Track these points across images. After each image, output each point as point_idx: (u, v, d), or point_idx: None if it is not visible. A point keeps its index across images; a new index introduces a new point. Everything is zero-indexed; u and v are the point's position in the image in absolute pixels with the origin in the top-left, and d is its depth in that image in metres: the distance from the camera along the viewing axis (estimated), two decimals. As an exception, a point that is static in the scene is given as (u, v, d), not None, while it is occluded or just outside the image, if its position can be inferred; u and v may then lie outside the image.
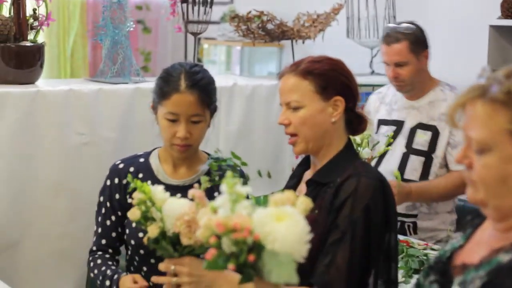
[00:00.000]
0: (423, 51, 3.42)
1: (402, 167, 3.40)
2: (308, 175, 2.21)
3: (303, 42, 4.28)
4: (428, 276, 1.70)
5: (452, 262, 1.62)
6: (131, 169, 2.52)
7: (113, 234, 2.54)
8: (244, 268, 1.52)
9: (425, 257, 2.91)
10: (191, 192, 1.89)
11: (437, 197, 3.37)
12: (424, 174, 3.39)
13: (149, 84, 3.38)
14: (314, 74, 2.12)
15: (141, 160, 2.56)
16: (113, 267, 2.45)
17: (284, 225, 1.48)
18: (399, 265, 2.86)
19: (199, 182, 2.03)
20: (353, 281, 2.02)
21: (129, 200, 2.43)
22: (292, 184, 2.23)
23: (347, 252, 1.99)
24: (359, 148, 2.93)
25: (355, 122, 2.20)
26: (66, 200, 3.10)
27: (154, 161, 2.54)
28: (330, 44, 3.65)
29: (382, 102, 3.63)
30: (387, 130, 3.50)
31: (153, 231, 1.90)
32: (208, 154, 2.60)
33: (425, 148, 3.39)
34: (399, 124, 3.49)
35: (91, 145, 3.15)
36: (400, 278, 2.80)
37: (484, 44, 4.14)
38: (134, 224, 2.43)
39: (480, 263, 1.49)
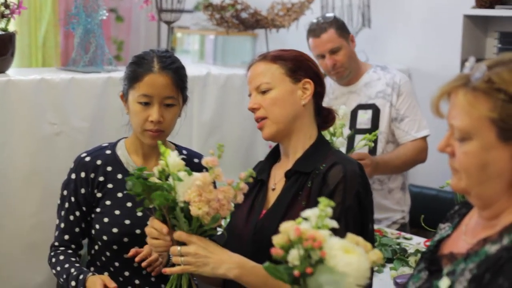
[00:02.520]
0: (349, 35, 3.60)
1: (349, 147, 3.44)
2: (280, 168, 2.20)
3: (277, 31, 4.28)
4: (418, 265, 1.72)
5: (439, 251, 1.64)
6: (99, 162, 2.45)
7: (77, 230, 2.46)
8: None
9: (398, 246, 2.93)
10: (205, 159, 1.87)
11: (401, 166, 3.50)
12: (372, 151, 3.46)
13: (122, 73, 3.35)
14: (283, 58, 2.15)
15: (108, 152, 2.49)
16: (77, 265, 2.38)
17: (350, 258, 1.46)
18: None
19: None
20: None
21: (98, 195, 2.43)
22: (265, 178, 2.21)
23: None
24: (333, 138, 2.94)
25: (325, 112, 2.21)
26: (38, 190, 3.07)
27: (122, 152, 2.48)
28: (304, 33, 3.65)
29: (327, 96, 3.65)
30: (368, 116, 3.59)
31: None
32: (175, 145, 2.56)
33: (368, 126, 3.53)
34: (377, 109, 3.58)
35: (63, 135, 3.12)
36: (374, 267, 2.82)
37: (458, 33, 4.17)
38: (106, 220, 2.41)
39: (468, 254, 1.50)
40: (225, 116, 3.73)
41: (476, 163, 1.46)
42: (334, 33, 3.52)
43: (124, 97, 2.45)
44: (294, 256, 1.46)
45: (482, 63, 1.49)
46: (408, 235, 3.19)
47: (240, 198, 1.92)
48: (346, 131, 3.25)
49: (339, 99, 3.65)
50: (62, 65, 3.37)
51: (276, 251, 1.47)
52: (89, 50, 3.34)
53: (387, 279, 2.70)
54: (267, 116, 2.12)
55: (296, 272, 1.46)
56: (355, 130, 3.52)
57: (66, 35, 5.28)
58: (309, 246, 1.44)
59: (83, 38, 3.33)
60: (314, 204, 2.02)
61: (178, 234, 1.91)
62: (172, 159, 1.88)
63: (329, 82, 3.63)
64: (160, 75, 2.34)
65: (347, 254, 1.46)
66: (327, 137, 3.07)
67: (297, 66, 2.14)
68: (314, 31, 3.56)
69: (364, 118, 3.56)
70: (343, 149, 3.34)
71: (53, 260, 2.44)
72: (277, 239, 1.49)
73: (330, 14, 3.69)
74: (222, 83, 3.70)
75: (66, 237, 2.46)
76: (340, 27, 3.56)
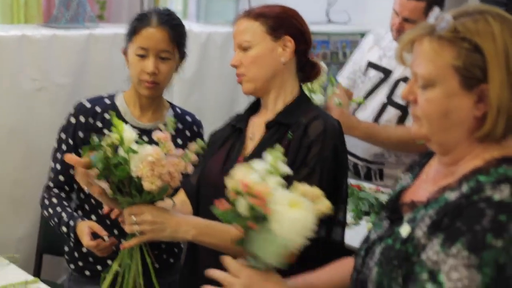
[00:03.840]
0: (431, 12, 3.34)
1: (378, 116, 3.43)
2: (259, 118, 2.24)
3: (260, -10, 4.27)
4: (379, 215, 1.75)
5: (401, 200, 1.67)
6: (98, 109, 2.51)
7: (71, 172, 2.44)
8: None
9: (375, 200, 2.97)
10: (156, 134, 1.90)
11: (386, 143, 3.38)
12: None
13: (104, 30, 3.37)
14: (265, 15, 2.15)
15: (107, 101, 2.55)
16: (69, 210, 2.43)
17: (294, 212, 1.50)
18: (350, 208, 2.94)
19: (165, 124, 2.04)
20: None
21: (95, 139, 2.47)
22: (242, 127, 2.24)
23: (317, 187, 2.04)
24: (311, 94, 2.96)
25: (308, 68, 2.24)
26: (20, 146, 3.10)
27: (120, 103, 2.54)
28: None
29: (377, 44, 3.60)
30: (375, 75, 3.50)
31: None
32: (170, 104, 2.62)
33: (404, 103, 3.35)
34: (387, 73, 3.48)
35: (44, 91, 3.13)
36: (351, 220, 2.88)
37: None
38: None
39: (428, 201, 1.53)
40: (206, 74, 3.74)
41: (438, 110, 1.49)
42: (422, 7, 3.29)
43: (125, 53, 2.52)
44: (241, 206, 1.51)
45: (448, 13, 1.51)
46: (386, 190, 3.24)
47: (190, 169, 1.96)
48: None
49: (391, 60, 3.47)
50: (44, 21, 3.36)
51: (224, 206, 1.53)
52: (71, 7, 3.34)
53: (363, 232, 2.75)
54: (246, 74, 2.15)
55: (239, 228, 1.51)
56: (389, 100, 3.43)
57: (48, -6, 5.24)
58: (253, 204, 1.48)
59: (65, -4, 3.33)
60: (293, 155, 2.07)
61: (129, 210, 1.95)
62: (127, 133, 1.90)
63: (390, 37, 3.47)
64: (157, 29, 2.42)
65: (293, 209, 1.50)
66: (311, 95, 3.10)
67: (279, 23, 2.15)
68: None
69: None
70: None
71: (46, 202, 2.49)
72: (230, 184, 1.54)
73: None
74: (203, 41, 3.71)
75: (61, 178, 2.52)
76: (431, 3, 3.31)
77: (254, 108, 2.28)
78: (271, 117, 2.17)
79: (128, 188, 1.92)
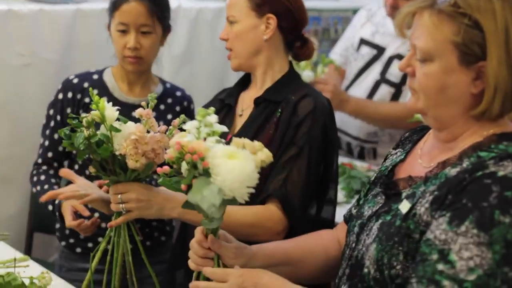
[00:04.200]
0: None
1: (371, 94, 3.41)
2: (248, 94, 2.22)
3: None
4: (370, 190, 1.72)
5: (395, 176, 1.65)
6: (85, 84, 2.50)
7: (60, 148, 2.50)
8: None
9: (366, 178, 2.96)
10: (138, 111, 1.88)
11: (376, 119, 3.35)
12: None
13: (91, 4, 3.33)
14: None
15: (95, 76, 2.54)
16: (56, 187, 2.41)
17: (232, 163, 1.50)
18: (342, 186, 2.93)
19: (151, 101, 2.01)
20: (309, 195, 2.07)
21: (83, 115, 2.45)
22: (232, 103, 2.23)
23: (304, 167, 2.03)
24: (299, 70, 2.95)
25: (296, 45, 2.21)
26: (8, 122, 3.06)
27: (108, 78, 2.53)
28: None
29: (370, 20, 3.57)
30: (368, 52, 3.47)
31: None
32: (160, 79, 2.61)
33: (397, 80, 3.36)
34: (380, 50, 3.45)
35: (32, 66, 3.09)
36: (343, 198, 2.87)
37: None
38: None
39: (427, 176, 1.52)
40: (196, 50, 3.70)
41: (435, 85, 1.48)
42: None
43: (109, 28, 2.51)
44: (184, 169, 1.52)
45: None
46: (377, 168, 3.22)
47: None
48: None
49: (384, 37, 3.45)
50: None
51: (163, 169, 1.55)
52: (58, -19, 3.30)
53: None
54: (232, 49, 2.17)
55: (182, 186, 1.52)
56: (382, 77, 3.40)
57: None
58: (190, 159, 1.49)
59: (52, -31, 3.28)
60: (281, 133, 2.05)
61: (114, 188, 1.93)
62: (109, 111, 1.87)
63: (383, 13, 3.42)
64: (136, 3, 2.41)
65: (231, 160, 1.50)
66: (300, 72, 3.08)
67: (264, 0, 2.13)
68: None
69: (397, 70, 3.30)
70: None
71: (34, 178, 2.47)
72: (169, 153, 1.55)
73: None
74: (193, 16, 3.67)
75: (50, 154, 2.51)
76: None
77: (245, 83, 2.26)
78: (260, 94, 2.16)
79: (112, 166, 1.90)
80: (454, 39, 1.44)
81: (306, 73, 3.19)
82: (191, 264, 1.66)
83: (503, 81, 1.44)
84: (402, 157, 1.69)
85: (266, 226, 1.99)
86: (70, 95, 2.50)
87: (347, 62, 3.56)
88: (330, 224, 2.16)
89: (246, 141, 1.56)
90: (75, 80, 2.51)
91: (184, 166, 1.53)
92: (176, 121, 1.90)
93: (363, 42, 3.51)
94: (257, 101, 2.15)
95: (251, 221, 1.97)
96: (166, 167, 1.56)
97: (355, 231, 1.66)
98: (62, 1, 3.27)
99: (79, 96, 2.49)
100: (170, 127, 1.91)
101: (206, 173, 1.50)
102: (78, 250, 2.53)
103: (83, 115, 1.88)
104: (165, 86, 2.58)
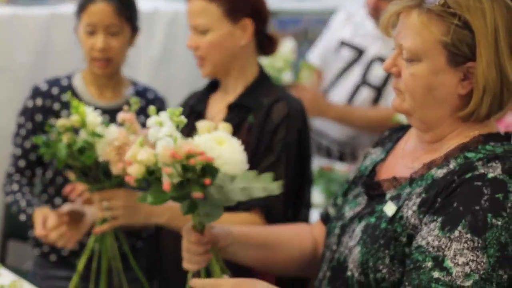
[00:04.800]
0: None
1: (351, 97, 3.37)
2: (219, 100, 2.17)
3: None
4: (350, 190, 1.70)
5: (377, 176, 1.63)
6: (55, 91, 2.45)
7: (32, 157, 2.45)
8: (186, 198, 1.50)
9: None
10: (120, 116, 1.84)
11: (358, 125, 3.32)
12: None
13: (67, 7, 3.29)
14: None
15: (64, 82, 2.49)
16: (28, 198, 2.35)
17: (227, 148, 1.49)
18: (321, 189, 2.91)
19: (129, 104, 1.97)
20: (289, 202, 2.04)
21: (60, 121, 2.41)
22: (202, 109, 2.18)
23: (283, 174, 2.00)
24: (275, 72, 2.93)
25: (266, 43, 2.17)
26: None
27: (78, 83, 2.48)
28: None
29: (349, 21, 3.52)
30: (348, 54, 3.42)
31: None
32: (131, 81, 2.56)
33: (378, 83, 3.32)
34: (360, 52, 3.41)
35: (6, 70, 3.05)
36: (322, 201, 2.84)
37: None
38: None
39: (412, 178, 1.50)
40: (173, 52, 3.67)
41: (422, 85, 1.46)
42: None
43: (76, 31, 2.47)
44: (175, 174, 1.46)
45: None
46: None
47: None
48: None
49: (364, 38, 3.40)
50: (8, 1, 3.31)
51: (168, 185, 1.46)
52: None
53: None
54: (205, 58, 2.09)
55: (197, 194, 1.46)
56: (363, 80, 3.35)
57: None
58: (201, 162, 1.45)
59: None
60: (255, 139, 2.02)
61: (99, 195, 1.89)
62: (91, 117, 1.84)
63: (364, 14, 3.39)
64: (103, 4, 2.37)
65: (222, 145, 1.49)
66: (274, 72, 3.05)
67: (236, 5, 2.07)
68: None
69: (378, 73, 3.30)
70: None
71: (7, 189, 2.42)
72: (133, 171, 1.49)
73: None
74: (170, 19, 3.65)
75: (22, 163, 2.45)
76: None
77: (212, 87, 2.21)
78: (232, 100, 2.11)
79: (95, 172, 1.87)
80: (443, 39, 1.42)
81: (286, 75, 3.17)
82: (192, 266, 1.61)
83: (492, 82, 1.43)
84: (383, 156, 1.67)
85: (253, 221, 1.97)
86: (39, 102, 2.45)
87: (327, 65, 3.53)
88: None
89: (206, 123, 1.55)
90: (44, 87, 2.47)
91: (173, 174, 1.46)
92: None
93: (343, 43, 3.48)
94: (231, 107, 2.10)
95: None
96: (167, 184, 1.47)
97: (335, 233, 1.64)
98: (37, 4, 3.25)
99: (48, 103, 2.44)
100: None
101: (212, 168, 1.46)
102: (53, 258, 2.49)
103: (60, 121, 1.84)
104: (137, 88, 2.53)
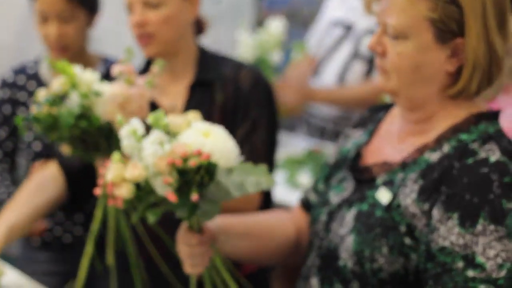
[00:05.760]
0: None
1: (343, 72, 3.32)
2: (171, 84, 2.04)
3: None
4: (332, 175, 1.65)
5: (364, 160, 1.58)
6: (20, 80, 2.42)
7: (9, 145, 2.43)
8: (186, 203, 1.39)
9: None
10: (117, 68, 1.72)
11: (347, 104, 3.27)
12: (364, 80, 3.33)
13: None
14: None
15: (30, 70, 2.44)
16: (10, 189, 2.35)
17: (216, 140, 1.39)
18: (309, 170, 2.87)
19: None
20: (272, 164, 2.02)
21: (20, 113, 2.39)
22: (155, 94, 2.03)
23: (265, 137, 1.97)
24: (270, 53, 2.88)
25: (199, 22, 2.09)
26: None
27: (45, 70, 2.43)
28: None
29: (344, 1, 3.44)
30: (338, 30, 3.35)
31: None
32: (102, 58, 2.49)
33: (370, 54, 3.25)
34: (349, 26, 3.33)
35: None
36: (308, 182, 2.80)
37: None
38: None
39: (405, 162, 1.46)
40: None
41: (409, 64, 1.42)
42: None
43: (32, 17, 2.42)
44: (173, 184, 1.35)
45: None
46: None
47: (155, 92, 1.79)
48: None
49: (353, 11, 3.31)
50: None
51: (174, 197, 1.35)
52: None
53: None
54: (155, 35, 1.94)
55: (194, 196, 1.35)
56: (354, 53, 3.29)
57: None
58: (202, 162, 1.34)
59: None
60: (231, 113, 1.95)
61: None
62: (87, 75, 1.72)
63: None
64: None
65: (210, 137, 1.39)
66: (263, 53, 3.01)
67: None
68: None
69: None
70: None
71: None
72: (123, 192, 1.36)
73: None
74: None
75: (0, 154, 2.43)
76: None
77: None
78: (189, 79, 2.02)
79: (96, 138, 1.75)
80: (431, 15, 1.38)
81: (277, 55, 3.14)
82: (197, 268, 1.53)
83: (482, 57, 1.40)
84: (366, 138, 1.62)
85: (248, 201, 1.91)
86: (6, 94, 2.41)
87: (321, 45, 3.48)
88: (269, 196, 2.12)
89: (178, 117, 1.44)
90: (10, 78, 2.43)
91: (164, 186, 1.36)
92: (155, 68, 1.75)
93: (333, 21, 3.44)
94: (192, 87, 2.00)
95: None
96: (173, 195, 1.35)
97: (322, 220, 1.58)
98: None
99: (15, 93, 2.40)
100: (148, 76, 1.76)
101: (210, 165, 1.36)
102: (36, 242, 2.46)
103: (47, 90, 1.73)
104: (108, 64, 2.41)
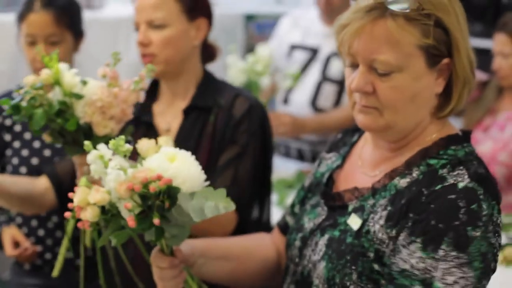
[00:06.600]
0: None
1: (315, 96, 3.37)
2: (169, 107, 2.10)
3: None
4: (307, 199, 1.66)
5: (336, 185, 1.58)
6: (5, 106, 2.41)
7: None
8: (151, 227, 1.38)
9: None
10: (101, 71, 1.74)
11: (334, 129, 3.22)
12: (337, 103, 3.38)
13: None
14: None
15: (16, 95, 2.42)
16: None
17: (181, 164, 1.40)
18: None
19: None
20: (255, 194, 2.03)
21: (7, 138, 2.40)
22: (149, 119, 2.11)
23: (250, 165, 1.98)
24: (260, 77, 2.92)
25: (209, 49, 2.14)
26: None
27: None
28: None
29: (296, 25, 3.55)
30: (301, 56, 3.44)
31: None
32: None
33: (339, 77, 3.33)
34: (314, 51, 3.43)
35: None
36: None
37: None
38: (15, 161, 2.38)
39: (374, 188, 1.46)
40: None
41: (405, 95, 1.40)
42: None
43: (18, 40, 2.44)
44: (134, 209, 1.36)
45: None
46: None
47: (142, 97, 1.81)
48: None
49: (316, 37, 3.45)
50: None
51: (132, 220, 1.35)
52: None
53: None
54: (157, 55, 2.01)
55: (156, 221, 1.35)
56: (323, 77, 3.38)
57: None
58: (161, 187, 1.34)
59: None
60: (220, 137, 1.98)
61: (81, 159, 1.77)
62: (68, 77, 1.73)
63: (311, 16, 3.46)
64: (41, 13, 2.33)
65: (176, 161, 1.40)
66: (254, 77, 3.04)
67: (195, 3, 2.04)
68: None
69: (338, 68, 3.32)
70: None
71: None
72: (88, 216, 1.37)
73: None
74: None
75: None
76: None
77: (153, 93, 2.14)
78: (187, 103, 2.06)
79: (74, 135, 1.76)
80: (424, 41, 1.38)
81: (265, 79, 3.17)
82: None
83: (469, 73, 1.42)
84: (339, 162, 1.62)
85: (221, 224, 1.92)
86: None
87: (277, 71, 3.52)
88: (268, 226, 2.13)
89: (142, 144, 1.46)
90: None
91: (125, 211, 1.37)
92: (143, 73, 1.76)
93: (293, 47, 3.50)
94: (187, 111, 2.06)
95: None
96: (132, 219, 1.35)
97: (296, 245, 1.59)
98: (12, 10, 3.21)
99: (0, 119, 2.40)
100: (135, 78, 1.78)
101: (172, 189, 1.37)
102: (27, 266, 2.46)
103: (29, 78, 1.75)
104: None
